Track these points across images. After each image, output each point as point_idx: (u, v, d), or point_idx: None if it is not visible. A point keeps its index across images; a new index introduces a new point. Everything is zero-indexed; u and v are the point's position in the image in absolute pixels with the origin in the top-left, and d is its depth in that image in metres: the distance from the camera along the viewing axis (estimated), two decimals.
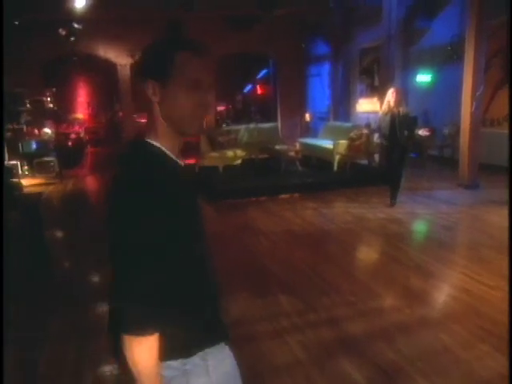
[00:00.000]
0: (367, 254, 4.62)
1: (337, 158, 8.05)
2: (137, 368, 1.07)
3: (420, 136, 9.70)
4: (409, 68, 10.37)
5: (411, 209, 6.26)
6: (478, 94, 6.63)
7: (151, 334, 1.05)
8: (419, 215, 5.87)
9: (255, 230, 5.42)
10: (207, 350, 1.18)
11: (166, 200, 1.07)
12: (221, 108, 17.48)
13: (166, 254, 1.06)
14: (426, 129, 9.11)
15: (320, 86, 13.92)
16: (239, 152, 8.55)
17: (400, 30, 9.66)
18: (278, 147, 8.60)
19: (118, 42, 11.10)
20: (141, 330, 1.04)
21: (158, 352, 1.08)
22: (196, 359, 1.17)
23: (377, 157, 8.27)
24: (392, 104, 5.75)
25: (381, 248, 4.64)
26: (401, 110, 5.76)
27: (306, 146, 9.07)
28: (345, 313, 3.35)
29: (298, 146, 8.55)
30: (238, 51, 11.96)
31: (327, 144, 8.47)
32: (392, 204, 6.09)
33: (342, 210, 6.17)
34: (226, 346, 1.27)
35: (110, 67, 11.65)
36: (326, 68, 13.14)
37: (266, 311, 3.39)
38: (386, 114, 5.86)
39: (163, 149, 1.15)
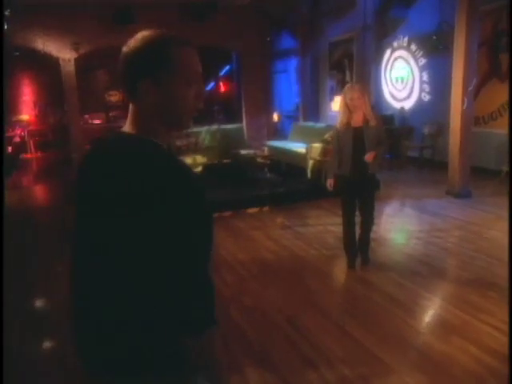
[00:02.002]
0: (359, 294, 3.67)
1: (310, 163, 7.09)
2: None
3: (398, 134, 8.97)
4: (383, 61, 9.57)
5: (401, 224, 5.38)
6: (469, 89, 5.81)
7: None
8: (412, 234, 4.96)
9: (217, 259, 4.35)
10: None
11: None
12: None
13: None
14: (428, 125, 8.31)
15: (287, 82, 12.99)
16: (199, 158, 7.47)
17: (375, 21, 8.83)
18: (243, 152, 7.57)
19: (59, 32, 9.77)
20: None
21: None
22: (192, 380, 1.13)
23: None
24: (357, 110, 3.61)
25: (375, 284, 3.69)
26: (371, 120, 3.65)
27: (274, 149, 8.07)
28: None
29: (266, 150, 7.54)
30: (196, 44, 10.80)
31: (299, 148, 7.51)
32: (368, 261, 4.07)
33: (320, 229, 5.20)
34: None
35: (52, 62, 10.29)
36: (293, 63, 12.23)
37: None
38: (347, 128, 3.70)
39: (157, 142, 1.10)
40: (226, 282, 3.84)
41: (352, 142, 3.70)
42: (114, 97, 17.03)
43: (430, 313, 3.25)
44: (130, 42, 1.10)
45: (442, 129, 8.19)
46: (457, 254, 4.34)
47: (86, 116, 15.46)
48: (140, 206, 0.98)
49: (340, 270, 4.08)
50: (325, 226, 5.34)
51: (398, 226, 5.32)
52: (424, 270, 3.97)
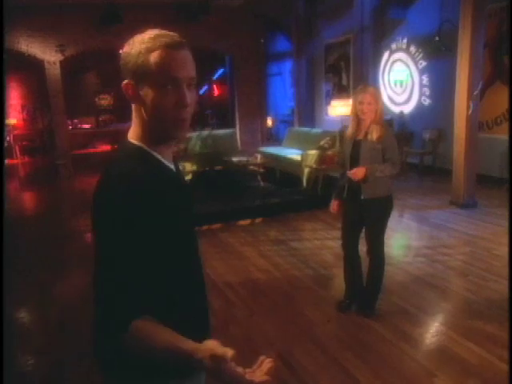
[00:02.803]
0: (360, 323, 3.28)
1: (306, 171, 6.70)
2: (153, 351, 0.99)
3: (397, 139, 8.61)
4: (381, 64, 9.22)
5: (403, 239, 4.99)
6: (475, 93, 5.45)
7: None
8: (415, 250, 4.57)
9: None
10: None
11: (149, 207, 1.02)
12: None
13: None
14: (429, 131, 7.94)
15: (282, 85, 12.65)
16: (189, 166, 7.07)
17: (372, 22, 8.49)
18: (235, 159, 7.18)
19: (44, 33, 9.33)
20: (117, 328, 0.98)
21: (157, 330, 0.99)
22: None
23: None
24: (364, 117, 2.97)
25: (384, 315, 3.28)
26: (373, 133, 2.98)
27: (268, 156, 7.68)
28: None
29: (259, 157, 7.15)
30: (189, 46, 10.41)
31: (294, 155, 7.13)
32: (371, 313, 3.28)
33: (317, 245, 4.81)
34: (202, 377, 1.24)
35: (37, 65, 9.87)
36: (287, 66, 11.89)
37: None
38: (350, 139, 3.11)
39: (150, 151, 1.10)
40: (212, 308, 3.44)
41: (349, 157, 3.09)
42: (105, 100, 16.59)
43: (441, 348, 2.86)
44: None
45: (443, 134, 7.85)
46: (466, 273, 3.95)
47: (75, 120, 15.05)
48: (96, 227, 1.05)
49: (339, 293, 3.67)
50: (322, 240, 4.95)
51: (400, 241, 4.94)
52: (431, 293, 3.58)
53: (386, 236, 3.19)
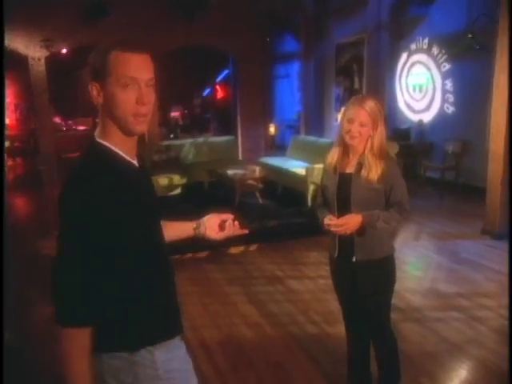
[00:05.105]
0: None
1: (311, 188, 5.79)
2: (67, 363, 1.14)
3: (415, 151, 7.67)
4: (398, 66, 8.29)
5: (430, 281, 4.02)
6: None
7: (79, 326, 1.13)
8: (449, 301, 3.58)
9: None
10: (156, 345, 1.23)
11: (107, 201, 1.12)
12: (175, 113, 15.07)
13: (100, 252, 1.12)
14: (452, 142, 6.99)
15: (289, 88, 11.74)
16: (177, 178, 6.18)
17: (390, 19, 7.58)
18: (231, 172, 6.27)
19: (28, 27, 8.51)
20: (70, 320, 1.13)
21: (88, 348, 1.15)
22: (143, 352, 1.22)
23: None
24: (352, 142, 2.04)
25: None
26: (376, 168, 2.02)
27: (269, 168, 6.77)
28: None
29: (257, 170, 6.24)
30: (187, 44, 9.55)
31: (298, 168, 6.22)
32: None
33: (322, 286, 3.87)
34: (178, 341, 1.33)
35: (20, 61, 9.06)
36: (295, 68, 10.98)
37: None
38: (334, 171, 2.14)
39: (114, 149, 1.19)
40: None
41: (335, 198, 2.13)
42: None
43: None
44: None
45: (468, 147, 6.91)
46: None
47: (70, 122, 14.27)
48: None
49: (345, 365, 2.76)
50: (327, 279, 3.95)
51: (424, 284, 3.96)
52: (474, 373, 2.64)
53: (404, 274, 2.23)
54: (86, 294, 1.12)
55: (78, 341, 1.13)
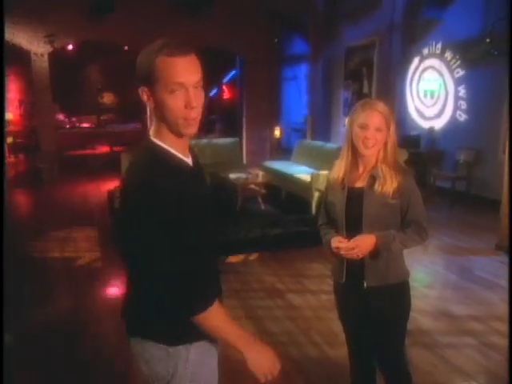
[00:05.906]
0: None
1: (316, 195, 5.57)
2: (225, 336, 1.24)
3: (425, 159, 7.40)
4: (409, 71, 8.05)
5: (441, 300, 3.78)
6: None
7: (213, 302, 1.20)
8: (462, 325, 3.34)
9: None
10: (194, 344, 1.27)
11: (174, 199, 1.15)
12: None
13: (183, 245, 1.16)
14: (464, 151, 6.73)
15: (297, 91, 11.50)
16: None
17: (402, 22, 7.34)
18: (233, 176, 6.05)
19: (32, 22, 8.37)
20: (206, 303, 1.19)
21: (226, 311, 1.26)
22: (181, 348, 1.25)
23: None
24: (369, 152, 1.80)
25: None
26: (391, 180, 1.78)
27: (273, 173, 6.56)
28: None
29: (260, 175, 6.02)
30: (194, 44, 9.36)
31: (303, 174, 5.99)
32: None
33: (324, 302, 3.64)
34: (214, 350, 1.36)
35: (22, 57, 8.91)
36: (303, 70, 10.75)
37: None
38: (341, 186, 1.87)
39: (169, 148, 1.23)
40: None
41: (344, 217, 1.87)
42: (108, 98, 15.67)
43: None
44: None
45: (481, 156, 6.66)
46: None
47: (74, 119, 14.11)
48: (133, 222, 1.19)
49: None
50: (331, 294, 3.77)
51: (433, 305, 3.73)
52: None
53: (412, 292, 1.99)
54: (202, 271, 1.19)
55: (219, 311, 1.21)
